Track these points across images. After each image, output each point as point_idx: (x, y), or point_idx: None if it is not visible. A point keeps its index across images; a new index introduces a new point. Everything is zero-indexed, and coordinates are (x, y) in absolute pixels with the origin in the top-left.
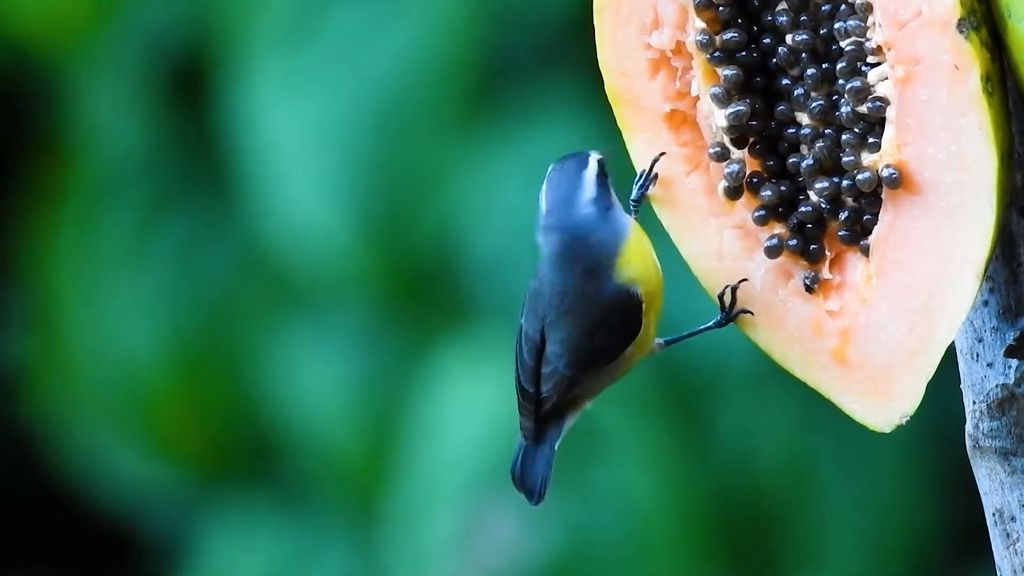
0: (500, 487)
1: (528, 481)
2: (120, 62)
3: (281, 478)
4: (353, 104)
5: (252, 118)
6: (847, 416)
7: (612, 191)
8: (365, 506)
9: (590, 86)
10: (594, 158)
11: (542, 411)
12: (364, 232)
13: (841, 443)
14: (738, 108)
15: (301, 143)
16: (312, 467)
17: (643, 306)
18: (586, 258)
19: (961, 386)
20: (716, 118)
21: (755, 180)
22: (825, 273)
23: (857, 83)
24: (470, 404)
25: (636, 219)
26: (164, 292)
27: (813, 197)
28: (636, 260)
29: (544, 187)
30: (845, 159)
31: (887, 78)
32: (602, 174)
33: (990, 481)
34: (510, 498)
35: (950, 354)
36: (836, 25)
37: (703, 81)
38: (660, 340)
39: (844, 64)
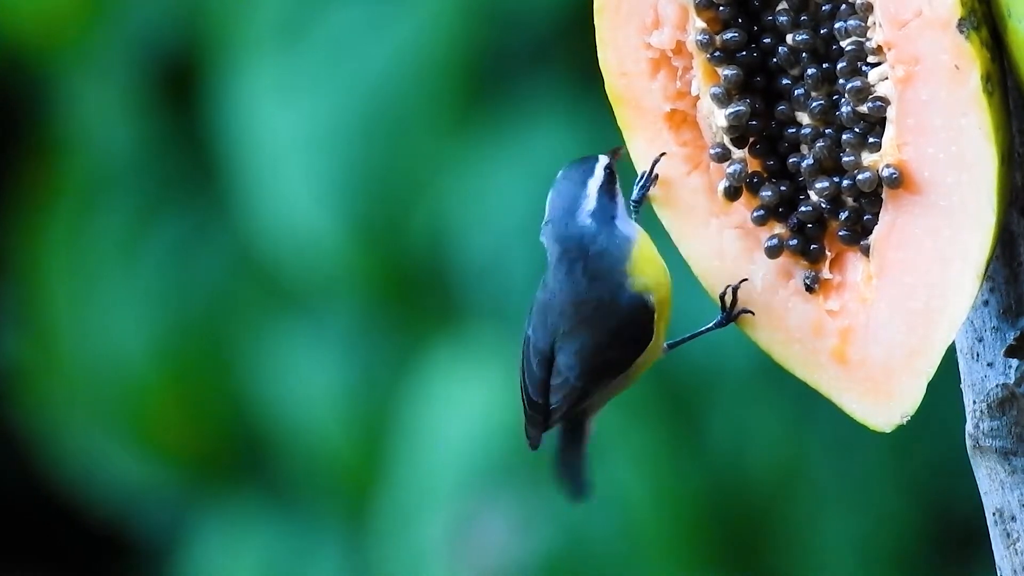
0: (492, 487)
1: (578, 488)
2: (111, 62)
3: (273, 478)
4: (345, 104)
5: (244, 118)
6: (840, 417)
7: (619, 199)
8: (357, 507)
9: (583, 86)
10: (601, 165)
11: (550, 422)
12: (356, 233)
13: (834, 444)
14: (738, 108)
15: (293, 143)
16: (304, 468)
17: (655, 315)
18: (594, 270)
19: (961, 386)
20: (716, 118)
21: (755, 180)
22: (825, 273)
23: (857, 83)
24: (462, 405)
25: (637, 220)
26: (156, 292)
27: (813, 197)
28: (648, 268)
29: (550, 195)
30: (845, 159)
31: (887, 78)
32: (609, 182)
33: (990, 481)
34: (502, 498)
35: (946, 354)
36: (836, 25)
37: (703, 81)
38: (663, 344)
39: (844, 64)
